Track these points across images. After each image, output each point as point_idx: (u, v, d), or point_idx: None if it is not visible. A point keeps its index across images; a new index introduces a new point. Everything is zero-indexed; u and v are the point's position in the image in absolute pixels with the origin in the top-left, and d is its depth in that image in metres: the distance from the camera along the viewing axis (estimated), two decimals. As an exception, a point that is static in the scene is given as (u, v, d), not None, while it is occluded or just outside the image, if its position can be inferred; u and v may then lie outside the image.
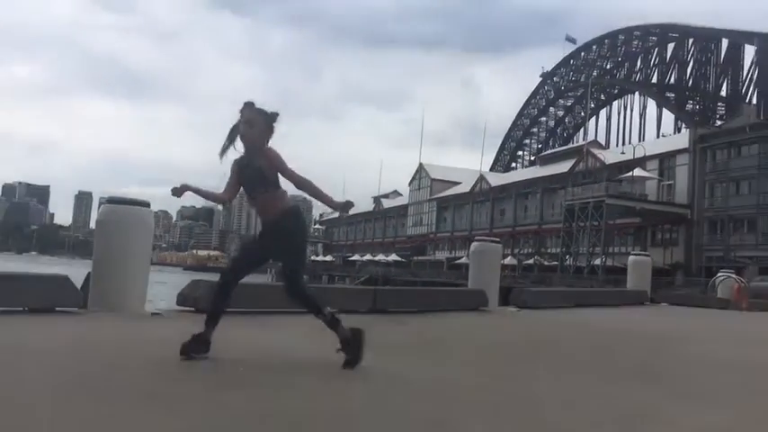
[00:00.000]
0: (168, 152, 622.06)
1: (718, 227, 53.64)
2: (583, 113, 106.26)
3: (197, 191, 4.40)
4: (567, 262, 58.32)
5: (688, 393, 4.38)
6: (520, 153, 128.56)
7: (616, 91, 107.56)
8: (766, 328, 11.33)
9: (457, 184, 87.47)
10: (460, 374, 4.49)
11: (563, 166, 70.57)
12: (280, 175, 4.25)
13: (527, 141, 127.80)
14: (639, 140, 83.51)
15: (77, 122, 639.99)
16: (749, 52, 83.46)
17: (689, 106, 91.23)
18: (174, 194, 4.36)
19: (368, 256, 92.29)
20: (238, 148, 4.30)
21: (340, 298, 8.51)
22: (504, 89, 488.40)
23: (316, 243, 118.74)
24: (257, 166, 4.22)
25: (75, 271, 9.07)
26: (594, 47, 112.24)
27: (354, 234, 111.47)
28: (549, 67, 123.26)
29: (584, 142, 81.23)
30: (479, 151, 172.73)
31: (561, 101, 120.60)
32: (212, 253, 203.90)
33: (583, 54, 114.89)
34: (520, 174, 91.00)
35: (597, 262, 54.27)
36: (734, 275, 19.41)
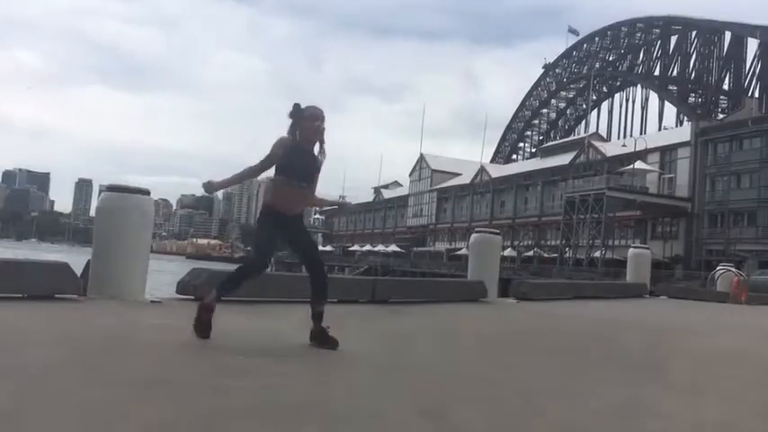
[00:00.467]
0: (169, 141, 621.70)
1: (718, 220, 53.65)
2: (584, 105, 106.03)
3: (225, 183, 4.66)
4: (567, 254, 58.38)
5: (686, 386, 4.39)
6: (521, 145, 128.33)
7: (618, 83, 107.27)
8: (764, 322, 11.35)
9: (457, 175, 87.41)
10: (459, 365, 4.50)
11: (564, 159, 70.50)
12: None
13: (528, 133, 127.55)
14: (641, 133, 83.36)
15: (78, 110, 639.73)
16: (752, 45, 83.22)
17: (691, 99, 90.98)
18: (207, 192, 4.63)
19: (367, 247, 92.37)
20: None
21: (340, 288, 8.53)
22: (506, 81, 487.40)
23: (315, 233, 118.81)
24: (316, 163, 4.58)
25: (75, 258, 9.08)
26: (597, 39, 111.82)
27: (354, 224, 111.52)
28: (551, 59, 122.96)
29: (585, 134, 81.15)
30: (480, 143, 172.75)
31: (563, 93, 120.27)
32: (212, 242, 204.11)
33: (585, 46, 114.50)
34: (520, 165, 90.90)
35: (597, 254, 54.30)
36: (733, 269, 19.42)
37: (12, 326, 4.75)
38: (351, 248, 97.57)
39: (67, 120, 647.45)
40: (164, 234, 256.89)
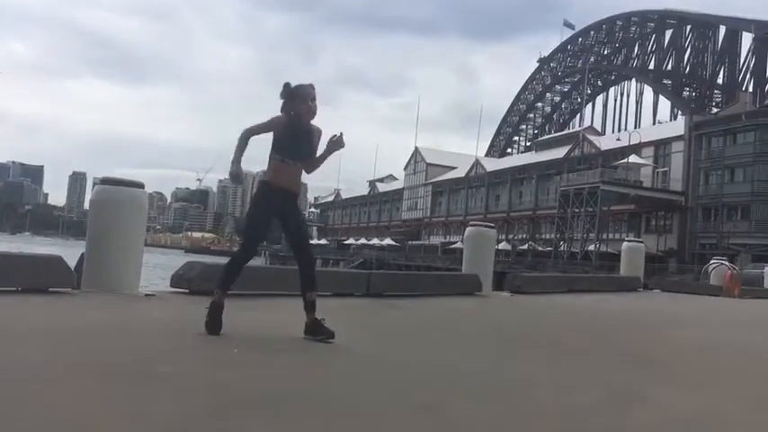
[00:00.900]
0: (163, 133, 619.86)
1: (712, 214, 53.80)
2: (579, 99, 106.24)
3: (238, 157, 4.63)
4: (562, 248, 58.48)
5: (678, 378, 4.42)
6: (516, 138, 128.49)
7: (613, 77, 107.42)
8: (757, 315, 11.41)
9: (452, 168, 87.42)
10: (453, 358, 4.51)
11: (559, 152, 70.57)
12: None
13: (523, 127, 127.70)
14: (635, 127, 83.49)
15: (72, 102, 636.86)
16: (746, 40, 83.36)
17: (685, 93, 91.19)
18: (236, 181, 4.72)
19: (362, 240, 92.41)
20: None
21: (334, 282, 8.53)
22: (502, 75, 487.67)
23: (310, 226, 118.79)
24: (311, 141, 4.62)
25: (69, 251, 9.06)
26: (592, 32, 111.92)
27: (349, 218, 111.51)
28: (546, 53, 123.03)
29: (580, 128, 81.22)
30: (475, 136, 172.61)
31: (558, 86, 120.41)
32: (206, 235, 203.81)
33: (580, 40, 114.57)
34: (515, 159, 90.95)
35: (591, 248, 54.44)
36: (726, 263, 19.49)
37: (5, 319, 4.74)
38: (346, 242, 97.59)
39: (61, 112, 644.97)
40: (158, 227, 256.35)
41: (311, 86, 4.64)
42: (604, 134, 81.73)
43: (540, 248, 64.55)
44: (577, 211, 57.19)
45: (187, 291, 6.67)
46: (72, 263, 6.62)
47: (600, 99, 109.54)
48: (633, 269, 15.55)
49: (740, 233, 50.09)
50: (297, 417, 2.76)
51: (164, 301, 6.39)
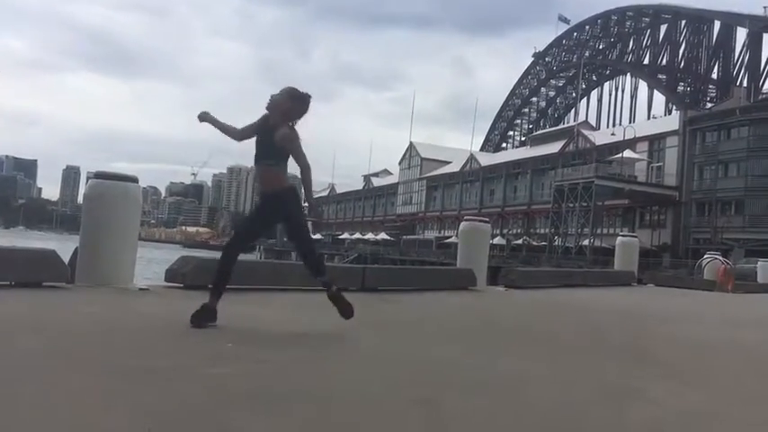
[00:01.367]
0: (158, 128, 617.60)
1: (705, 209, 53.98)
2: (574, 94, 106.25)
3: (214, 122, 4.80)
4: (556, 242, 58.61)
5: (673, 374, 4.43)
6: (510, 133, 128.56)
7: (608, 72, 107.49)
8: (750, 310, 11.45)
9: (447, 163, 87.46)
10: (448, 352, 4.51)
11: (553, 147, 70.69)
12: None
13: (518, 122, 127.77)
14: (630, 122, 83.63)
15: (66, 96, 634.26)
16: (741, 35, 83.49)
17: (680, 88, 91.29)
18: (199, 119, 4.79)
19: (357, 235, 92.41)
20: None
21: (329, 276, 8.52)
22: (497, 69, 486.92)
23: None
24: (272, 138, 4.56)
25: (63, 246, 9.03)
26: (587, 27, 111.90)
27: (344, 212, 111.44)
28: (541, 47, 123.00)
29: (574, 123, 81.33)
30: (470, 131, 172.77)
31: (553, 81, 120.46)
32: (201, 229, 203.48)
33: (575, 34, 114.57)
34: (510, 154, 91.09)
35: (585, 243, 54.56)
36: (720, 257, 19.56)
37: (-2, 313, 4.72)
38: (340, 236, 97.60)
39: (55, 106, 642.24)
40: (152, 222, 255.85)
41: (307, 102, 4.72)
42: (599, 129, 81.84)
43: (534, 243, 64.72)
44: (572, 205, 57.31)
45: (182, 285, 6.66)
46: (66, 257, 6.60)
47: (595, 94, 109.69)
48: (627, 264, 15.59)
49: (734, 228, 50.29)
50: (293, 411, 2.75)
51: (158, 295, 6.38)
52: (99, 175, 6.89)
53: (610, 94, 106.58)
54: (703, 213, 54.14)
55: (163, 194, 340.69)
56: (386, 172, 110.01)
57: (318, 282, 4.84)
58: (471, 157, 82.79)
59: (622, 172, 57.50)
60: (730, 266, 18.80)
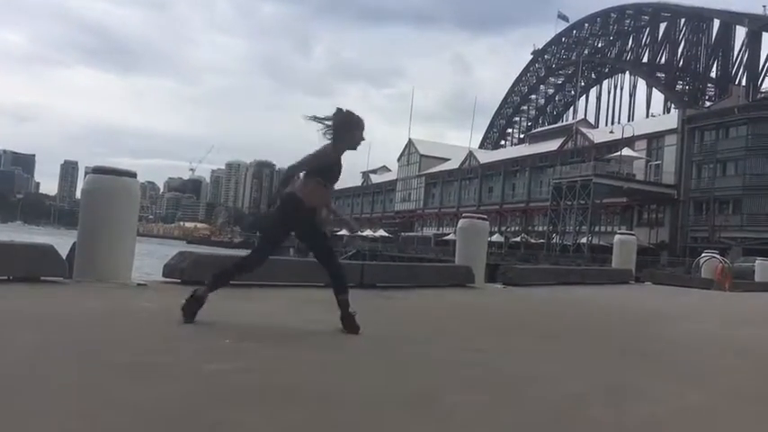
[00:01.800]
0: (156, 123, 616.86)
1: (703, 208, 54.04)
2: (573, 92, 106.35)
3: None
4: (554, 240, 58.66)
5: (670, 371, 4.43)
6: (509, 131, 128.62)
7: (607, 70, 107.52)
8: (747, 308, 11.47)
9: (446, 160, 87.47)
10: (445, 349, 4.52)
11: (552, 145, 70.71)
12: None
13: (516, 119, 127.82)
14: (628, 120, 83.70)
15: (64, 91, 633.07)
16: (740, 34, 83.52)
17: (679, 87, 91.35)
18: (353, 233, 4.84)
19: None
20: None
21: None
22: (496, 67, 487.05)
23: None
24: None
25: (61, 241, 9.02)
26: (586, 25, 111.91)
27: (342, 209, 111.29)
28: (540, 45, 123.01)
29: (573, 121, 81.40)
30: (469, 129, 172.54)
31: (552, 79, 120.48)
32: (199, 225, 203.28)
33: (574, 32, 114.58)
34: (508, 151, 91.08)
35: (583, 240, 54.61)
36: (718, 256, 19.58)
37: (-4, 308, 4.71)
38: (339, 233, 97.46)
39: (53, 101, 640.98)
40: (150, 217, 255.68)
41: (361, 117, 4.74)
42: (598, 127, 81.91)
43: (532, 241, 64.76)
44: (570, 203, 57.35)
45: (179, 281, 6.65)
46: (64, 252, 6.60)
47: (593, 92, 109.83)
48: (625, 262, 15.60)
49: (732, 227, 50.35)
50: (292, 407, 2.75)
51: (156, 291, 6.37)
52: (97, 170, 6.87)
53: (608, 92, 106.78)
54: (701, 212, 54.20)
55: (161, 190, 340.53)
56: (384, 169, 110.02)
57: (339, 297, 4.74)
58: (470, 155, 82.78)
59: (621, 170, 57.53)
60: (728, 265, 18.82)
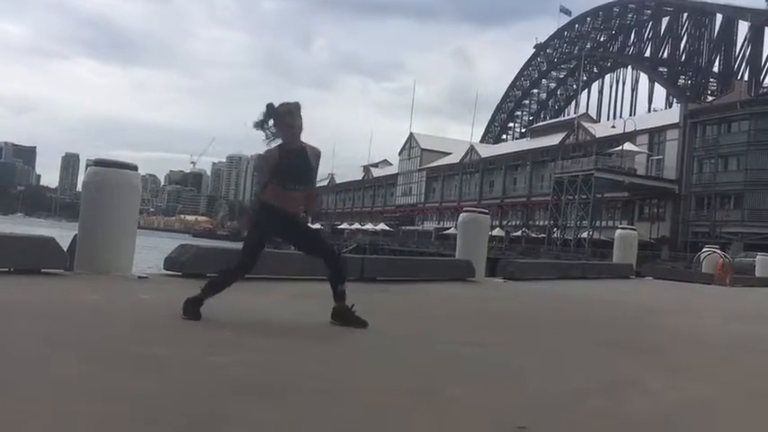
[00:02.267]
0: (157, 116, 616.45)
1: (705, 202, 53.96)
2: (575, 86, 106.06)
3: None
4: (555, 234, 58.64)
5: (670, 365, 4.44)
6: (511, 125, 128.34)
7: (609, 64, 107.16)
8: (747, 304, 11.47)
9: (447, 154, 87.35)
10: (446, 343, 4.52)
11: (553, 139, 70.60)
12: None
13: (518, 113, 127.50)
14: (630, 114, 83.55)
15: (65, 83, 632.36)
16: (743, 28, 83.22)
17: (681, 81, 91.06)
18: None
19: (356, 225, 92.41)
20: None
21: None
22: (498, 60, 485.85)
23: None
24: (308, 160, 4.56)
25: (62, 233, 9.02)
26: (589, 19, 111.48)
27: (343, 202, 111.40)
28: (542, 39, 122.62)
29: (575, 115, 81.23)
30: (470, 123, 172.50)
31: (554, 73, 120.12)
32: (200, 218, 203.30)
33: (577, 26, 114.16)
34: (510, 146, 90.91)
35: (584, 235, 54.59)
36: (719, 251, 19.57)
37: (-3, 300, 4.72)
38: (339, 226, 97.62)
39: (54, 93, 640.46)
40: (151, 210, 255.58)
41: (295, 106, 4.51)
42: (599, 121, 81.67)
43: (533, 235, 64.75)
44: (571, 198, 57.29)
45: (180, 274, 6.66)
46: (65, 244, 6.60)
47: (595, 86, 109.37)
48: (626, 256, 15.60)
49: (733, 222, 50.29)
50: (292, 400, 2.75)
51: (157, 283, 6.38)
52: (98, 163, 6.88)
53: (610, 87, 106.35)
54: (702, 207, 54.11)
55: (162, 183, 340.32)
56: (385, 162, 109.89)
57: (339, 290, 4.65)
58: (471, 149, 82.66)
59: (622, 165, 57.44)
60: (728, 260, 18.81)
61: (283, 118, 4.46)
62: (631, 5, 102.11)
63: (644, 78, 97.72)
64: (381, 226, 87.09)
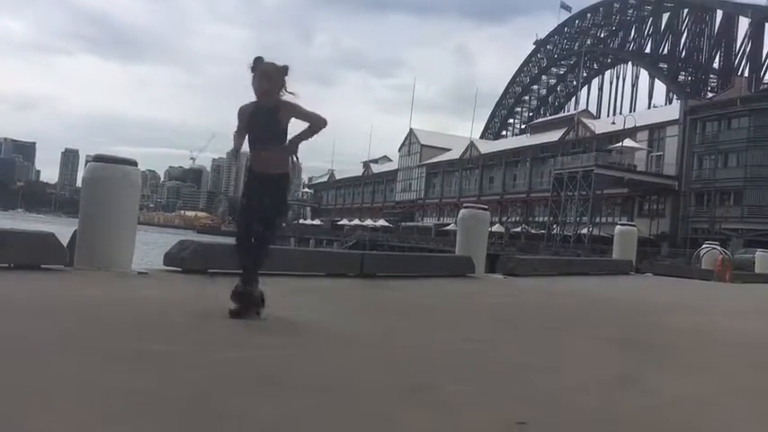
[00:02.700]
0: (157, 112, 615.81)
1: (704, 199, 53.98)
2: (575, 82, 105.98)
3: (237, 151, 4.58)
4: (555, 231, 58.64)
5: (669, 361, 4.44)
6: (511, 121, 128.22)
7: (609, 60, 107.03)
8: (747, 300, 11.47)
9: (447, 150, 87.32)
10: (445, 339, 4.52)
11: (553, 135, 70.57)
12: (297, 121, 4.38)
13: (518, 109, 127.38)
14: (630, 111, 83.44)
15: (65, 79, 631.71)
16: (743, 24, 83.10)
17: (681, 77, 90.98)
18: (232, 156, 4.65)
19: (356, 221, 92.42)
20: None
21: (328, 262, 8.54)
22: (498, 57, 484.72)
23: (304, 206, 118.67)
24: (276, 119, 4.31)
25: (62, 229, 9.02)
26: (589, 15, 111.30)
27: (343, 198, 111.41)
28: (542, 35, 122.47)
29: (575, 111, 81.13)
30: (470, 119, 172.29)
31: (554, 69, 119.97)
32: (200, 214, 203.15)
33: (577, 22, 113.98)
34: (510, 142, 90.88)
35: (584, 231, 54.59)
36: (718, 247, 19.58)
37: (-3, 296, 4.72)
38: (339, 222, 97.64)
39: (54, 89, 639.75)
40: (151, 206, 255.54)
41: (272, 67, 4.32)
42: (599, 118, 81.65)
43: (533, 231, 64.76)
44: (571, 194, 57.29)
45: (180, 269, 6.66)
46: (65, 240, 6.60)
47: (595, 82, 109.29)
48: (626, 253, 15.60)
49: (732, 218, 50.31)
50: (293, 397, 2.76)
51: (157, 279, 6.38)
52: (98, 159, 6.87)
53: (611, 83, 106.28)
54: (702, 203, 54.14)
55: (162, 178, 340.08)
56: (385, 158, 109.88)
57: (246, 273, 4.49)
58: (471, 145, 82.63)
59: (622, 161, 57.46)
60: (728, 256, 18.81)
61: (253, 77, 4.31)
62: (632, 1, 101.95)
63: (644, 75, 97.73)
64: (381, 222, 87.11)
